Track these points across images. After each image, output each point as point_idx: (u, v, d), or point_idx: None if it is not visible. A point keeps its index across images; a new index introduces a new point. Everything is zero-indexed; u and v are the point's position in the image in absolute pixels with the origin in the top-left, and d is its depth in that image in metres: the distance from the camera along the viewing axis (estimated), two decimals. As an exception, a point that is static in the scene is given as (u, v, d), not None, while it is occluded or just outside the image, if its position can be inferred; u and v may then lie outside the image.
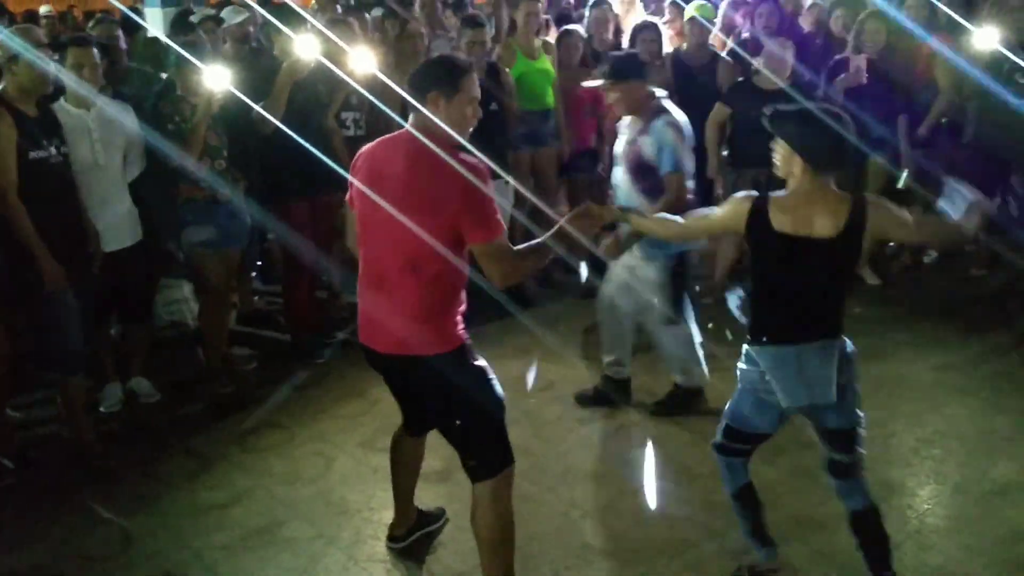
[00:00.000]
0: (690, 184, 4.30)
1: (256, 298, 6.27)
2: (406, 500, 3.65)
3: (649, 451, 4.36)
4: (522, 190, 5.36)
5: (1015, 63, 5.82)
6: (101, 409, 4.82)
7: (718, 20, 6.65)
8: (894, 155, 6.05)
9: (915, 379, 5.00)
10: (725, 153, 6.03)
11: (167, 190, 4.81)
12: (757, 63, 5.72)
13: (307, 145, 4.77)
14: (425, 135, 2.94)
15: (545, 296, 6.19)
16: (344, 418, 4.75)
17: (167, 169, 4.72)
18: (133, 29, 6.58)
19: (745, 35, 6.55)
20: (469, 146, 3.02)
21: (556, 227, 3.10)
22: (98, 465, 4.32)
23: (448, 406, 3.12)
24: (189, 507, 4.03)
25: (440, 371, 3.03)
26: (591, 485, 4.11)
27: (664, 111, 4.27)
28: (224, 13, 6.27)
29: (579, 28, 6.50)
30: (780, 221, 3.03)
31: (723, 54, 6.29)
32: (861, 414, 3.26)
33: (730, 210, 3.19)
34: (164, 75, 5.22)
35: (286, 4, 5.56)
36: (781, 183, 6.04)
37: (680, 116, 4.30)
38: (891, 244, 6.76)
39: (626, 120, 4.43)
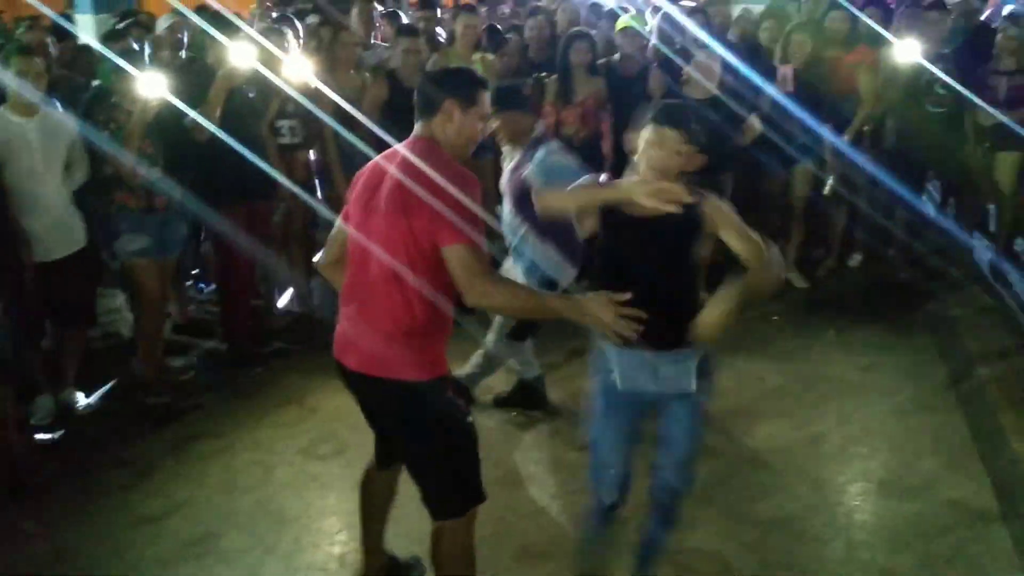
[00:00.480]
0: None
1: (192, 307, 6.20)
2: (375, 545, 3.38)
3: (585, 453, 4.40)
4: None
5: (933, 74, 6.05)
6: (32, 421, 4.73)
7: (653, 31, 6.75)
8: (820, 162, 6.23)
9: (842, 379, 5.15)
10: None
11: (100, 198, 4.75)
12: (686, 73, 5.85)
13: (243, 152, 4.76)
14: (430, 143, 2.85)
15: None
16: (283, 426, 4.73)
17: (101, 176, 4.68)
18: (63, 36, 6.47)
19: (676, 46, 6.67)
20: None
21: (568, 298, 2.92)
22: (29, 478, 4.24)
23: (416, 439, 2.92)
24: (124, 519, 3.97)
25: (413, 399, 2.84)
26: (528, 488, 4.15)
27: (545, 141, 4.33)
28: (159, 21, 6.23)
29: (515, 38, 6.57)
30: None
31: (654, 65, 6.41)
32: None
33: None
34: (95, 82, 5.16)
35: (220, 13, 5.51)
36: (712, 188, 6.16)
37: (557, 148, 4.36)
38: (818, 248, 6.97)
39: (508, 151, 4.45)
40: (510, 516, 3.92)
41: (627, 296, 2.71)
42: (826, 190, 6.16)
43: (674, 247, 2.97)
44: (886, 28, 6.27)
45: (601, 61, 6.42)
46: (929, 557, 3.61)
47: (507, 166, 4.44)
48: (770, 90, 6.01)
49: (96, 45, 5.81)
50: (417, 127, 2.91)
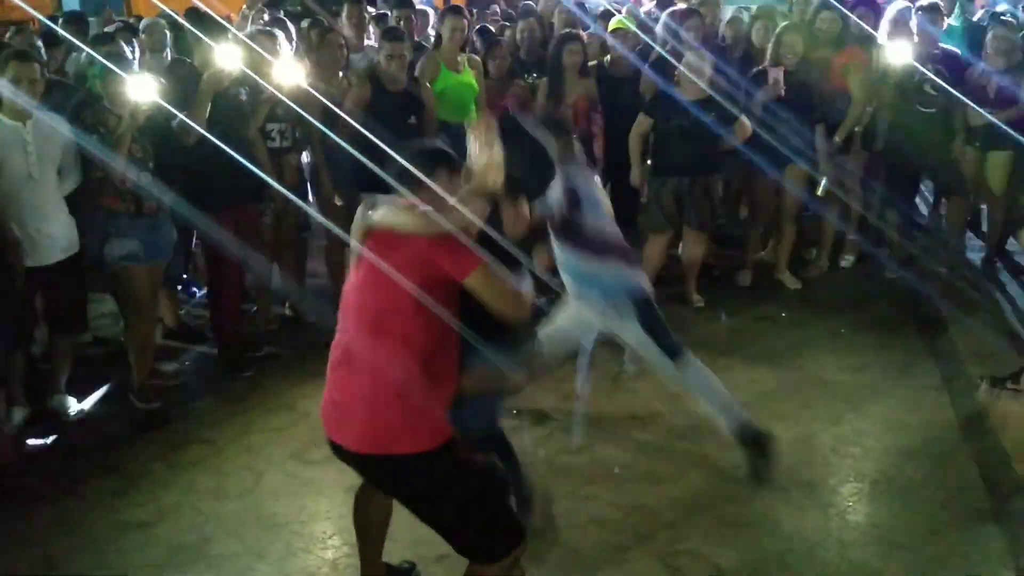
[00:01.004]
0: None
1: (182, 311, 6.18)
2: (373, 560, 3.29)
3: (578, 457, 4.41)
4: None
5: (924, 74, 6.06)
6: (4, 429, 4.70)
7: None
8: (813, 164, 6.24)
9: (833, 380, 5.15)
10: (648, 163, 6.15)
11: (89, 202, 4.74)
12: (677, 74, 5.85)
13: (232, 155, 4.74)
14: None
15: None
16: (273, 431, 4.71)
17: (90, 180, 4.68)
18: (52, 41, 6.45)
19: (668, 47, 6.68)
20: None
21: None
22: (18, 485, 4.21)
23: (433, 511, 2.75)
24: (113, 526, 3.95)
25: (422, 474, 2.67)
26: (521, 492, 4.14)
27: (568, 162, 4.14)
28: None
29: (506, 39, 6.57)
30: None
31: (646, 66, 6.41)
32: None
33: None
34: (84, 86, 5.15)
35: (208, 15, 5.50)
36: (704, 190, 6.19)
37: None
38: (811, 250, 6.98)
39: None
40: (502, 520, 3.90)
41: None
42: (819, 191, 6.16)
43: None
44: (876, 28, 6.27)
45: (592, 63, 6.42)
46: (921, 557, 3.61)
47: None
48: (762, 92, 6.02)
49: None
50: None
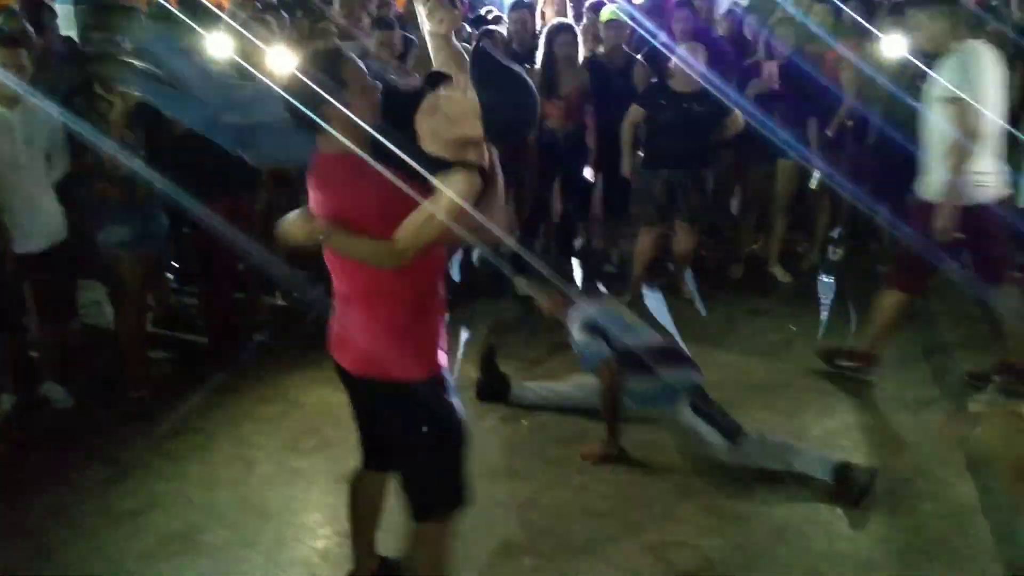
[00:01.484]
0: None
1: (173, 300, 6.16)
2: (367, 549, 3.31)
3: (569, 448, 4.41)
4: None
5: (918, 68, 6.06)
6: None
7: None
8: (805, 157, 6.24)
9: (824, 373, 5.16)
10: (640, 154, 6.15)
11: (82, 188, 4.72)
12: (670, 66, 5.85)
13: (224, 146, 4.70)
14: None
15: (466, 295, 6.20)
16: (264, 421, 4.71)
17: (83, 167, 4.65)
18: (40, 25, 6.41)
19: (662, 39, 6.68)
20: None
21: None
22: (6, 474, 4.20)
23: (408, 437, 2.87)
24: (104, 515, 3.93)
25: (406, 398, 2.80)
26: (512, 482, 4.15)
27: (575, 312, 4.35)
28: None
29: (500, 30, 6.54)
30: None
31: (639, 57, 6.41)
32: None
33: None
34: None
35: (200, 3, 5.46)
36: (696, 182, 6.19)
37: (591, 312, 4.35)
38: (803, 243, 6.99)
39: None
40: (492, 510, 3.90)
41: None
42: (813, 184, 6.17)
43: None
44: (870, 22, 6.27)
45: (586, 54, 6.41)
46: (911, 549, 3.63)
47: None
48: (754, 84, 6.02)
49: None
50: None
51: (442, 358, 2.89)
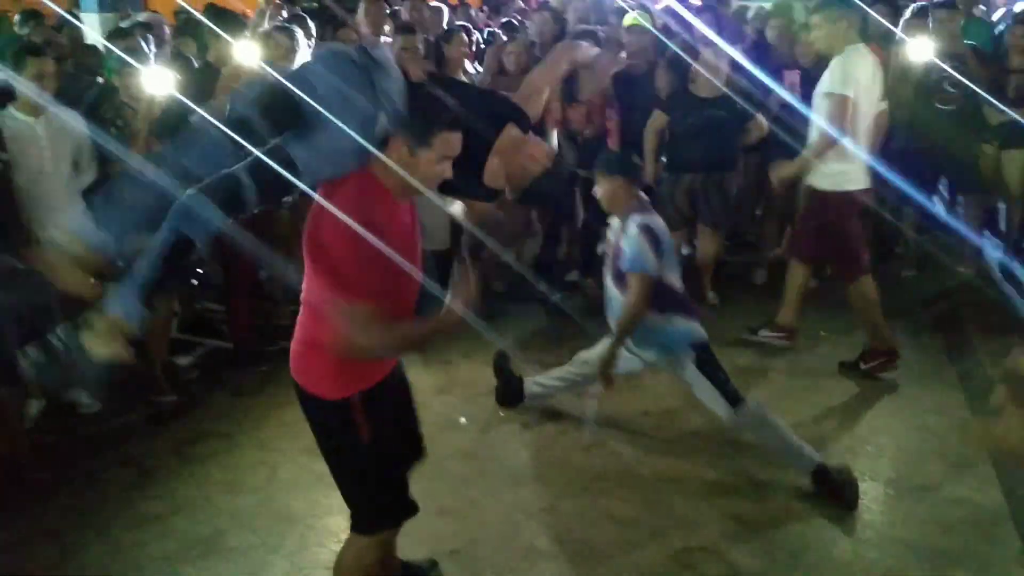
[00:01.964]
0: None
1: (197, 305, 6.20)
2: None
3: (592, 453, 4.41)
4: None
5: (943, 72, 6.02)
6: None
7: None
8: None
9: (848, 378, 5.12)
10: (663, 159, 6.14)
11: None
12: (694, 71, 5.83)
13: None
14: (369, 179, 2.64)
15: (493, 300, 6.20)
16: (287, 425, 4.71)
17: (108, 174, 4.68)
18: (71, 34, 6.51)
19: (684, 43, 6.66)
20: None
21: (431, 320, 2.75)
22: (33, 478, 4.23)
23: (324, 452, 2.89)
24: (129, 518, 3.97)
25: (317, 414, 2.82)
26: (535, 487, 4.15)
27: (640, 212, 4.10)
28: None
29: (521, 35, 6.56)
30: None
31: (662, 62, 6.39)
32: None
33: None
34: (100, 80, 5.18)
35: (225, 10, 5.52)
36: (719, 187, 6.16)
37: (657, 221, 4.13)
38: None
39: (614, 224, 4.25)
40: (517, 515, 3.91)
41: None
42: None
43: None
44: (895, 25, 6.23)
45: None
46: (936, 556, 3.60)
47: (611, 235, 4.24)
48: (779, 91, 5.97)
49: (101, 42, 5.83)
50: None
51: (368, 382, 2.78)
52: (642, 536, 3.76)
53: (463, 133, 2.61)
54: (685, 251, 6.63)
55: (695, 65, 5.82)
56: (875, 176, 5.19)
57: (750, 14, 7.68)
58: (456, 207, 3.41)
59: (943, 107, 6.09)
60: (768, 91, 5.97)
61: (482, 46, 7.23)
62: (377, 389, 2.80)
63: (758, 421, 4.01)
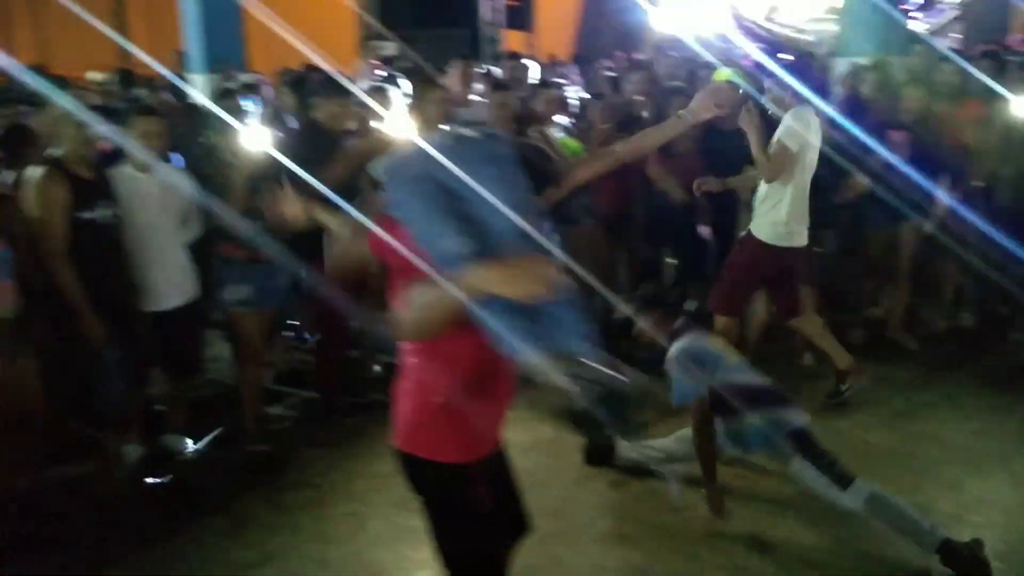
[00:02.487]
0: None
1: (291, 357, 6.32)
2: None
3: (682, 515, 4.31)
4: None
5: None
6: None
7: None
8: (929, 218, 6.02)
9: (953, 443, 4.93)
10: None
11: (207, 248, 4.94)
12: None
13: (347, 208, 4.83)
14: None
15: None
16: (376, 478, 4.75)
17: (207, 228, 4.88)
18: (179, 95, 6.81)
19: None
20: None
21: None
22: (131, 523, 4.34)
23: (432, 524, 2.73)
24: (221, 566, 4.03)
25: (425, 481, 2.67)
26: (623, 548, 4.08)
27: (676, 339, 4.25)
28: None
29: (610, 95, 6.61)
30: None
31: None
32: None
33: None
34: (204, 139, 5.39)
35: (328, 72, 5.70)
36: (815, 244, 6.03)
37: (694, 341, 4.24)
38: (926, 307, 6.74)
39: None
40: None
41: None
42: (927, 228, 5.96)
43: None
44: (999, 81, 6.09)
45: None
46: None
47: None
48: (880, 151, 5.86)
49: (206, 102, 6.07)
50: None
51: (485, 449, 2.68)
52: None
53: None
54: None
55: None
56: (981, 235, 5.09)
57: (842, 69, 7.59)
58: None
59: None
60: (867, 148, 5.86)
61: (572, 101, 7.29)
62: (494, 457, 2.73)
63: (873, 500, 3.84)
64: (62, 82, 7.75)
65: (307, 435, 5.28)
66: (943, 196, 5.95)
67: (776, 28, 9.66)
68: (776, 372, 4.48)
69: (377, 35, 14.57)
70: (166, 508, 4.52)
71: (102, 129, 4.31)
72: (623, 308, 4.76)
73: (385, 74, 7.23)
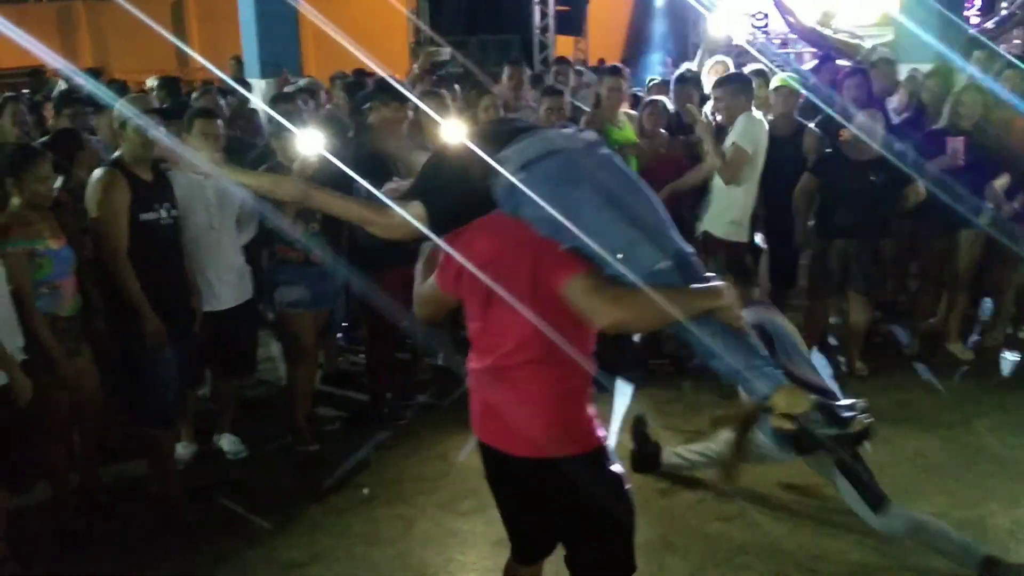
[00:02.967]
0: None
1: (341, 359, 6.38)
2: None
3: (730, 525, 4.27)
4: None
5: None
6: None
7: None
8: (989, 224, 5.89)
9: (1009, 457, 4.81)
10: (810, 223, 5.99)
11: (262, 250, 5.01)
12: (846, 133, 5.70)
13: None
14: None
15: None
16: (424, 480, 4.77)
17: (262, 230, 4.95)
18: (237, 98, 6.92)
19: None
20: None
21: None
22: (182, 520, 4.41)
23: (580, 520, 2.75)
24: (270, 564, 4.07)
25: (574, 477, 2.65)
26: (673, 557, 4.03)
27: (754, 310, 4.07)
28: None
29: (664, 99, 6.56)
30: None
31: (811, 125, 6.27)
32: None
33: None
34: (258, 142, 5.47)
35: (384, 78, 5.75)
36: (872, 253, 5.93)
37: (773, 318, 4.14)
38: (983, 318, 6.60)
39: None
40: None
41: None
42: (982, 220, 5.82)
43: None
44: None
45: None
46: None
47: None
48: (938, 160, 5.75)
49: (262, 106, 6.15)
50: None
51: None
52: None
53: None
54: (833, 319, 6.44)
55: (849, 127, 5.68)
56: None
57: (902, 76, 7.48)
58: None
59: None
60: (926, 155, 5.77)
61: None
62: None
63: (906, 523, 3.77)
64: (121, 87, 7.95)
65: (356, 436, 5.31)
66: (999, 196, 5.82)
67: (831, 33, 9.52)
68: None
69: (428, 40, 14.67)
70: (216, 507, 4.58)
71: (160, 131, 4.37)
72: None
73: (436, 78, 7.28)
